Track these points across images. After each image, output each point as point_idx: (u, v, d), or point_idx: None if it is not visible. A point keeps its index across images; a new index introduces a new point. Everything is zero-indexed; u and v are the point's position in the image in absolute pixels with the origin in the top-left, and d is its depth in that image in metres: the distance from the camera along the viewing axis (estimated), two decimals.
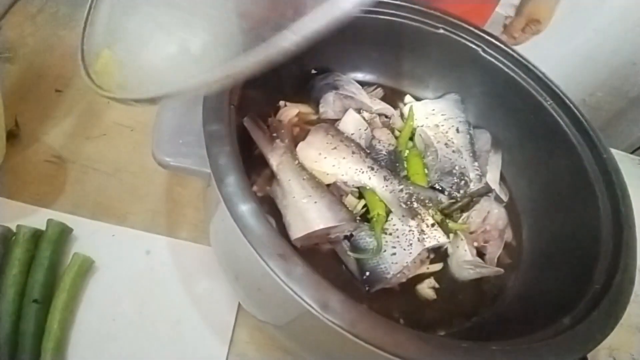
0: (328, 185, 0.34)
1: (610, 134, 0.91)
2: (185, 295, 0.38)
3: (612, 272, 0.30)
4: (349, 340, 0.22)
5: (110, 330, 0.35)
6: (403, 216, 0.33)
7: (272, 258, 0.23)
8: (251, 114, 0.32)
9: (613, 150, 0.38)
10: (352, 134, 0.38)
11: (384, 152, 0.38)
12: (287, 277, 0.23)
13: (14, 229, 0.35)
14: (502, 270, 0.35)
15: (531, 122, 0.41)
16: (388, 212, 0.34)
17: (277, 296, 0.24)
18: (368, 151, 0.37)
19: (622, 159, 0.61)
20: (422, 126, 0.42)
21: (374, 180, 0.34)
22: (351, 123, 0.38)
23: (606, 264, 0.31)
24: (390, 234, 0.33)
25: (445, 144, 0.40)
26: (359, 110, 0.40)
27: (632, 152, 0.78)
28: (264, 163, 0.33)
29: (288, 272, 0.23)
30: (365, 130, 0.39)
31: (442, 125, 0.41)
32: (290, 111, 0.39)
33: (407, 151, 0.40)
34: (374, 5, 0.39)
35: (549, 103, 0.40)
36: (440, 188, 0.37)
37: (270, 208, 0.32)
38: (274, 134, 0.34)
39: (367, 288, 0.32)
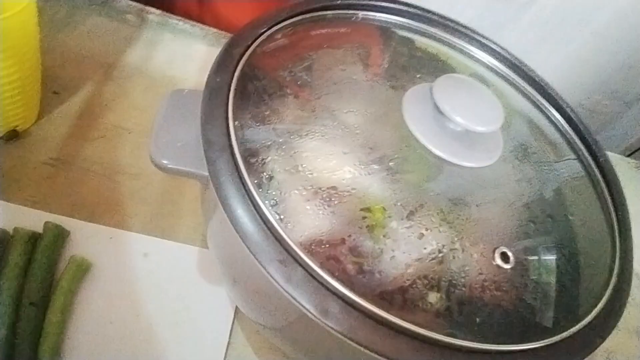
0: (328, 186, 0.34)
1: (606, 137, 0.91)
2: (182, 298, 0.38)
3: (609, 275, 0.30)
4: (349, 346, 0.22)
5: (107, 333, 0.35)
6: (402, 219, 0.33)
7: (270, 263, 0.23)
8: None
9: (609, 153, 0.38)
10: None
11: (384, 152, 0.38)
12: (286, 282, 0.23)
13: (10, 231, 0.35)
14: (501, 272, 0.35)
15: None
16: (386, 215, 0.34)
17: (276, 300, 0.24)
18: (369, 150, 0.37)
19: (618, 162, 0.62)
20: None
21: (373, 181, 0.34)
22: None
23: (603, 268, 0.31)
24: (389, 237, 0.33)
25: None
26: None
27: (628, 155, 0.78)
28: None
29: (287, 278, 0.23)
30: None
31: None
32: None
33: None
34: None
35: (544, 106, 0.40)
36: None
37: None
38: None
39: (366, 292, 0.32)
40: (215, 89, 0.30)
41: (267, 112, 0.33)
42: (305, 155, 0.36)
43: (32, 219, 0.36)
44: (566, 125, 0.39)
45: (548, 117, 0.40)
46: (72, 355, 0.33)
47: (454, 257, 0.36)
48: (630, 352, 0.45)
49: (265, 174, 0.33)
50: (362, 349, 0.23)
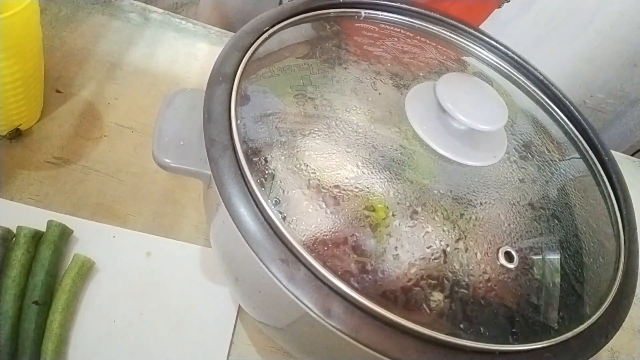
0: (331, 185, 0.34)
1: (610, 136, 0.91)
2: (185, 297, 0.38)
3: (614, 274, 0.30)
4: (352, 345, 0.22)
5: (110, 332, 0.35)
6: (405, 218, 0.33)
7: (273, 262, 0.23)
8: None
9: (614, 153, 0.38)
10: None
11: (387, 151, 0.38)
12: (289, 281, 0.23)
13: (14, 230, 0.35)
14: (505, 271, 0.34)
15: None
16: (389, 213, 0.34)
17: (278, 299, 0.24)
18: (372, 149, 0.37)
19: (623, 161, 0.61)
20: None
21: (376, 180, 0.34)
22: None
23: (609, 267, 0.31)
24: (392, 236, 0.32)
25: None
26: None
27: (633, 155, 0.78)
28: None
29: (290, 277, 0.23)
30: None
31: None
32: None
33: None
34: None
35: (548, 105, 0.40)
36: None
37: None
38: None
39: (369, 291, 0.31)
40: (217, 88, 0.30)
41: (270, 111, 0.33)
42: (307, 154, 0.36)
43: (35, 218, 0.36)
44: (570, 124, 0.39)
45: (552, 116, 0.40)
46: (75, 353, 0.33)
47: (457, 257, 0.36)
48: (635, 352, 0.45)
49: (267, 172, 0.33)
50: (365, 348, 0.23)
